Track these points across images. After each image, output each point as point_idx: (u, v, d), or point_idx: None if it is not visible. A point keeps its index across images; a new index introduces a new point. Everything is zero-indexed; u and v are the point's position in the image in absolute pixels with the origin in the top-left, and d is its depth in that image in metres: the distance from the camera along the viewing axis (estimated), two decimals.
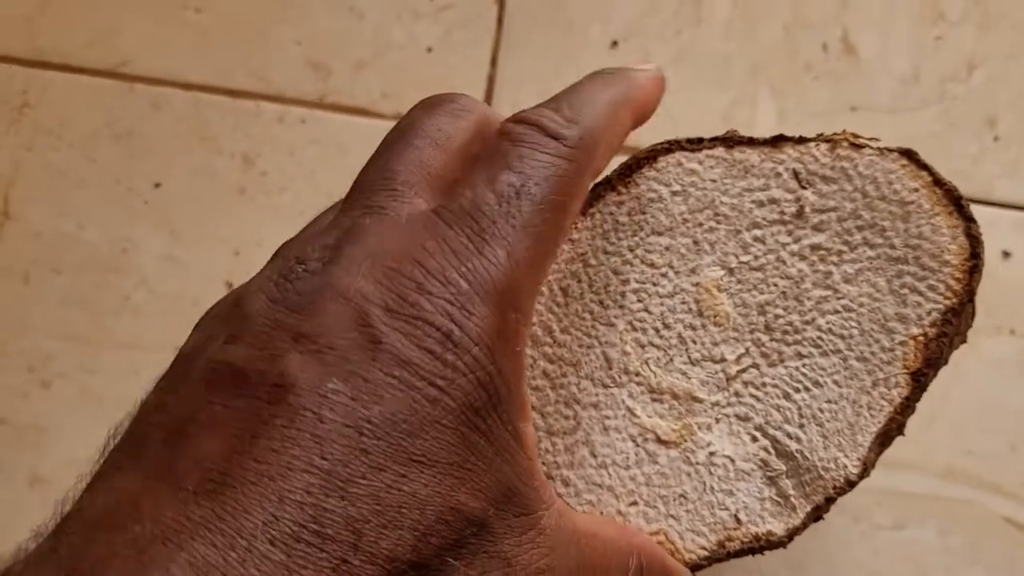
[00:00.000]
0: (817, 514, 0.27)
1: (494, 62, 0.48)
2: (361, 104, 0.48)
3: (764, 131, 0.46)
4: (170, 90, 0.48)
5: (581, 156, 0.23)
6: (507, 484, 0.21)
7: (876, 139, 0.29)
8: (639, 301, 0.28)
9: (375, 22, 0.49)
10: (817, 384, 0.27)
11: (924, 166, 0.28)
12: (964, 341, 0.29)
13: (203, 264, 0.47)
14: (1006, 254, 0.45)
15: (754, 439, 0.28)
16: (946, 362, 0.28)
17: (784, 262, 0.28)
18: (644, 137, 0.47)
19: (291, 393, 0.19)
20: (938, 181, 0.28)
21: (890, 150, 0.28)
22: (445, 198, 0.23)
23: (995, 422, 0.44)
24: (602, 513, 0.27)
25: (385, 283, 0.20)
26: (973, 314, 0.28)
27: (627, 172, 0.29)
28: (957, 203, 0.28)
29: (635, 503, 0.27)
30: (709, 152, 0.29)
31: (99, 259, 0.47)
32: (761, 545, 0.27)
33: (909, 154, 0.28)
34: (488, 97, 0.48)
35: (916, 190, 0.28)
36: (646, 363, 0.28)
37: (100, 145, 0.48)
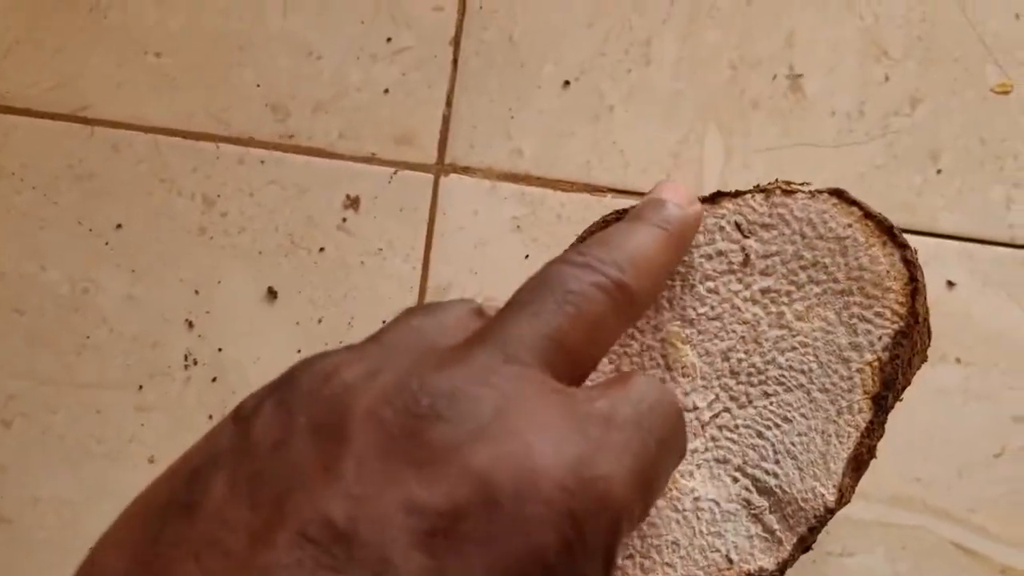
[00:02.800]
0: (804, 544, 0.28)
1: (450, 103, 0.50)
2: (320, 145, 0.50)
3: (713, 167, 0.48)
4: (131, 133, 0.50)
5: (635, 311, 0.25)
6: None
7: (807, 183, 0.31)
8: (611, 363, 0.30)
9: (333, 64, 0.51)
10: (786, 419, 0.29)
11: (854, 202, 0.30)
12: (925, 360, 0.31)
13: (163, 303, 0.49)
14: (950, 284, 0.47)
15: (735, 480, 0.29)
16: (909, 383, 0.30)
17: (739, 308, 0.30)
18: (596, 175, 0.49)
19: None
20: (868, 214, 0.30)
21: (820, 192, 0.30)
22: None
23: (941, 449, 0.46)
24: None
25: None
26: (929, 334, 0.30)
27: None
28: (889, 232, 0.30)
29: (630, 556, 0.29)
30: None
31: (61, 299, 0.49)
32: None
33: (839, 193, 0.30)
34: (444, 137, 0.50)
35: (849, 225, 0.29)
36: None
37: (62, 187, 0.50)
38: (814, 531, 0.28)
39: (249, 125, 0.50)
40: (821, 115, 0.49)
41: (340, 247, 0.49)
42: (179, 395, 0.49)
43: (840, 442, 0.28)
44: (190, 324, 0.49)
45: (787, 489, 0.28)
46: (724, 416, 0.30)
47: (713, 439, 0.29)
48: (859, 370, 0.29)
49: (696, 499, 0.29)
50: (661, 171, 0.49)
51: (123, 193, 0.49)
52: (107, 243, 0.49)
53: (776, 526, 0.28)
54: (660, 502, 0.29)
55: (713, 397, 0.30)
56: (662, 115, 0.50)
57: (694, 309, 0.30)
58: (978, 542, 0.45)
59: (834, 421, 0.29)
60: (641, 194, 0.49)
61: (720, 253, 0.30)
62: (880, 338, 0.29)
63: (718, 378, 0.30)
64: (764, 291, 0.30)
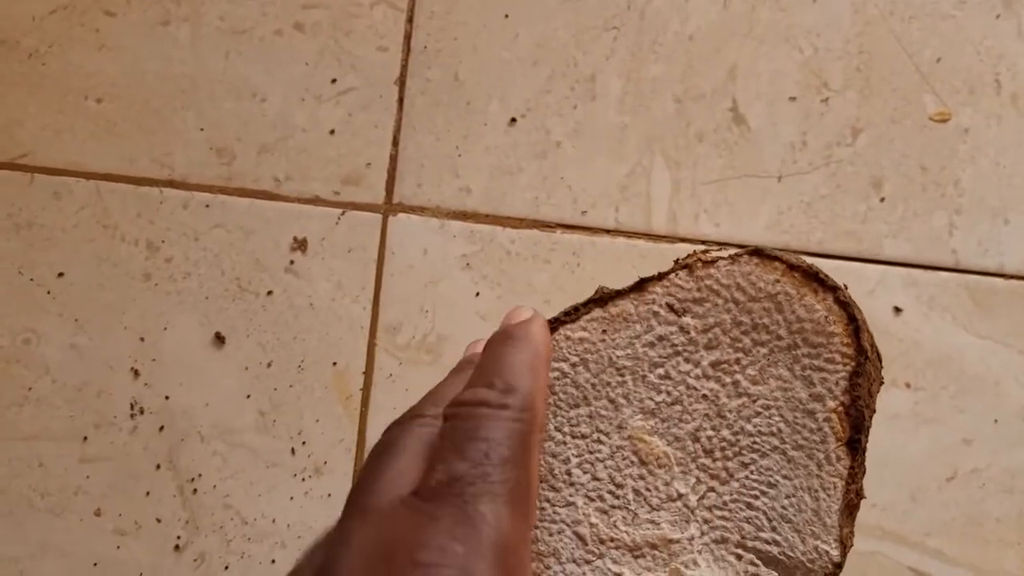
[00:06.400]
0: None
1: (396, 142, 0.51)
2: (265, 187, 0.50)
3: (660, 199, 0.50)
4: (72, 180, 0.50)
5: (527, 416, 0.26)
6: None
7: (724, 248, 0.31)
8: (585, 473, 0.30)
9: (277, 106, 0.51)
10: (771, 485, 0.29)
11: (775, 257, 0.31)
12: (882, 382, 0.31)
13: (108, 352, 0.48)
14: (897, 310, 0.48)
15: (739, 557, 0.29)
16: (874, 410, 0.30)
17: (695, 387, 0.31)
18: (544, 211, 0.50)
19: None
20: (792, 266, 0.30)
21: (739, 255, 0.31)
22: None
23: (895, 474, 0.47)
24: None
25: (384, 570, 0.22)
26: (879, 357, 0.31)
27: None
28: (817, 279, 0.30)
29: None
30: (588, 317, 0.31)
31: (1, 351, 0.48)
32: None
33: (758, 252, 0.31)
34: (391, 176, 0.51)
35: (777, 281, 0.30)
36: (615, 527, 0.30)
37: (1, 236, 0.49)
38: None
39: (193, 169, 0.51)
40: (765, 146, 0.51)
41: (288, 290, 0.50)
42: (125, 445, 0.48)
43: (828, 495, 0.29)
44: (136, 372, 0.49)
45: (791, 554, 0.29)
46: (710, 496, 0.30)
47: (706, 521, 0.30)
48: (826, 419, 0.29)
49: None
50: (609, 205, 0.50)
51: (65, 241, 0.49)
52: (49, 292, 0.49)
53: None
54: None
55: (695, 480, 0.30)
56: (609, 150, 0.51)
57: (651, 399, 0.31)
58: (934, 566, 0.46)
59: (817, 475, 0.29)
60: (590, 229, 0.50)
61: (661, 338, 0.31)
62: (837, 383, 0.29)
63: (694, 460, 0.30)
64: (714, 364, 0.30)
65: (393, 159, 0.51)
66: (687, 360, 0.31)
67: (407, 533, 0.23)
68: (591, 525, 0.30)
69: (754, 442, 0.30)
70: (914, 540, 0.46)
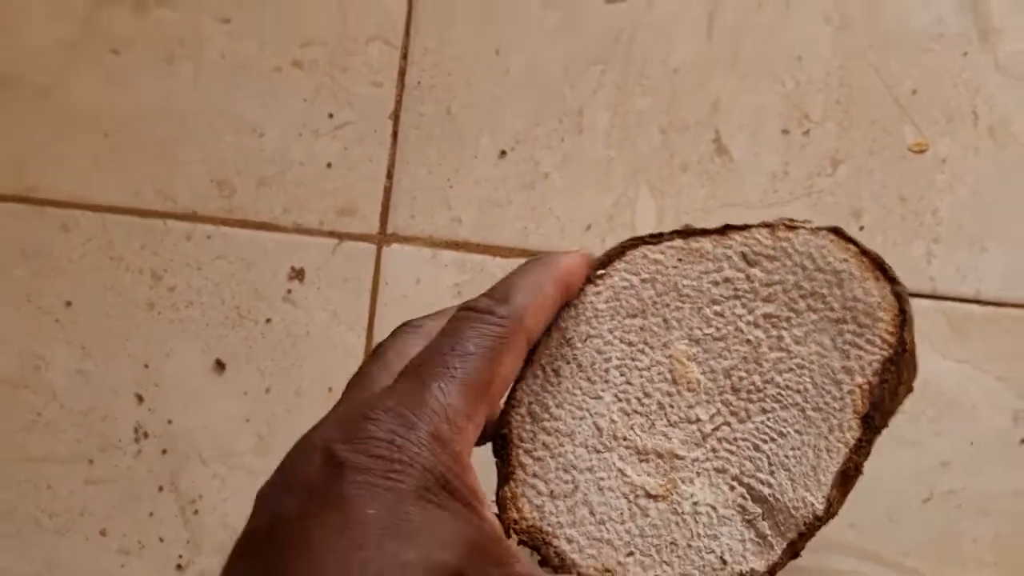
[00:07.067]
0: (793, 550, 0.32)
1: (390, 175, 0.53)
2: (265, 219, 0.52)
3: (645, 228, 0.51)
4: (78, 212, 0.52)
5: (510, 324, 0.30)
6: (474, 542, 0.26)
7: (809, 221, 0.34)
8: (621, 375, 0.33)
9: (276, 140, 0.53)
10: (782, 435, 0.32)
11: (850, 239, 0.34)
12: (911, 391, 0.34)
13: (113, 378, 0.51)
14: None
15: (731, 488, 0.32)
16: (896, 410, 0.33)
17: (742, 331, 0.33)
18: (533, 240, 0.52)
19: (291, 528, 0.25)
20: (864, 251, 0.33)
21: (820, 228, 0.34)
22: None
23: (873, 495, 0.48)
24: (603, 564, 0.32)
25: (344, 424, 0.27)
26: (916, 367, 0.33)
27: (601, 266, 0.34)
28: (882, 268, 0.33)
29: (631, 553, 0.32)
30: (669, 243, 0.34)
31: (11, 376, 0.51)
32: None
33: (837, 231, 0.34)
34: (385, 208, 0.53)
35: (846, 260, 0.33)
36: (632, 428, 0.33)
37: (11, 266, 0.52)
38: (803, 538, 0.31)
39: (195, 201, 0.53)
40: (747, 176, 0.53)
41: (286, 318, 0.52)
42: (129, 468, 0.50)
43: (830, 456, 0.31)
44: (140, 398, 0.51)
45: (779, 498, 0.31)
46: (724, 429, 0.33)
47: (713, 450, 0.32)
48: (850, 391, 0.32)
49: (695, 504, 0.32)
50: (596, 234, 0.52)
51: (72, 271, 0.52)
52: (57, 320, 0.51)
53: (768, 532, 0.31)
54: (661, 505, 0.32)
55: (715, 411, 0.33)
56: (595, 180, 0.53)
57: (700, 330, 0.34)
58: None
59: (825, 437, 0.32)
60: None
61: (727, 280, 0.34)
62: (870, 363, 0.32)
63: (720, 394, 0.33)
64: (766, 316, 0.33)
65: (387, 191, 0.53)
66: (743, 306, 0.33)
67: (371, 398, 0.28)
68: (611, 421, 0.33)
69: (779, 393, 0.32)
70: (892, 560, 0.48)
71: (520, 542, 0.32)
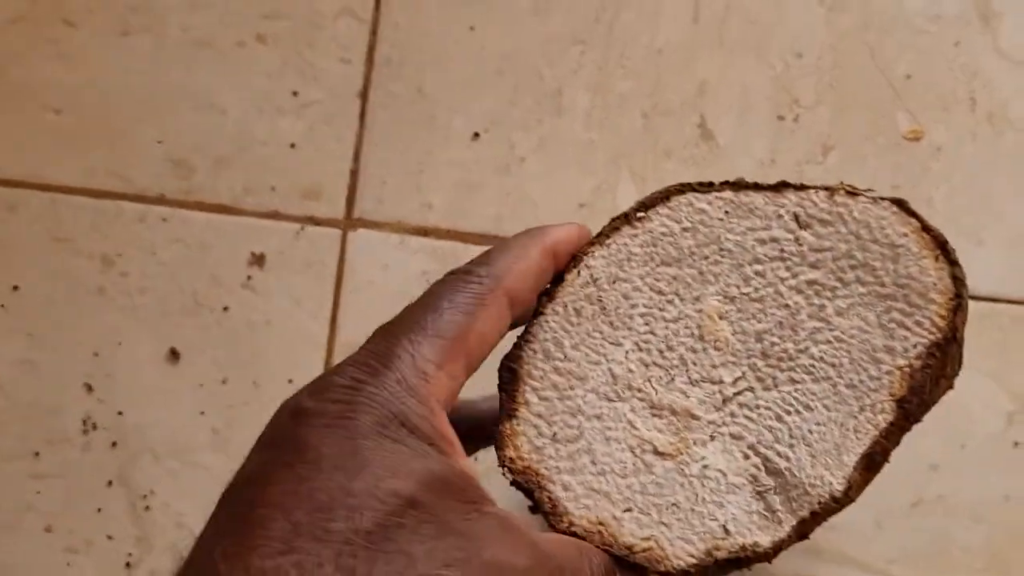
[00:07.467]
0: (803, 530, 0.30)
1: (357, 156, 0.51)
2: (224, 201, 0.50)
3: None
4: (27, 192, 0.50)
5: (488, 282, 0.30)
6: (435, 474, 0.26)
7: (871, 189, 0.32)
8: (646, 324, 0.32)
9: (237, 118, 0.51)
10: (808, 408, 0.30)
11: (913, 214, 0.31)
12: (951, 387, 0.32)
13: (61, 367, 0.48)
14: None
15: (746, 456, 0.30)
16: (934, 402, 0.31)
17: (782, 295, 0.32)
18: (506, 227, 0.49)
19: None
20: (926, 227, 0.31)
21: (883, 199, 0.32)
22: None
23: (860, 499, 0.46)
24: (598, 517, 0.30)
25: (314, 383, 0.27)
26: (960, 361, 0.31)
27: (642, 208, 0.33)
28: (943, 248, 0.31)
29: (629, 509, 0.30)
30: (718, 194, 0.33)
31: None
32: (747, 556, 0.30)
33: (900, 203, 0.32)
34: (352, 191, 0.51)
35: (905, 235, 0.31)
36: (648, 381, 0.32)
37: None
38: (815, 518, 0.29)
39: (151, 182, 0.50)
40: (734, 162, 0.50)
41: (245, 306, 0.49)
42: (77, 461, 0.48)
43: (857, 437, 0.30)
44: (89, 388, 0.49)
45: (796, 473, 0.30)
46: (747, 395, 0.31)
47: (732, 415, 0.31)
48: (888, 372, 0.30)
49: (704, 467, 0.30)
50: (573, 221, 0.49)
51: (19, 254, 0.49)
52: (2, 305, 0.49)
53: (779, 507, 0.30)
54: (668, 463, 0.31)
55: (740, 375, 0.31)
56: (574, 165, 0.50)
57: (738, 288, 0.32)
58: None
59: (855, 416, 0.30)
60: None
61: (773, 239, 0.32)
62: (915, 346, 0.30)
63: (748, 357, 0.31)
64: (810, 282, 0.31)
65: (354, 174, 0.51)
66: (788, 269, 0.32)
67: (345, 359, 0.28)
68: (628, 370, 0.32)
69: (812, 365, 0.31)
70: (878, 567, 0.46)
71: (513, 483, 0.31)
